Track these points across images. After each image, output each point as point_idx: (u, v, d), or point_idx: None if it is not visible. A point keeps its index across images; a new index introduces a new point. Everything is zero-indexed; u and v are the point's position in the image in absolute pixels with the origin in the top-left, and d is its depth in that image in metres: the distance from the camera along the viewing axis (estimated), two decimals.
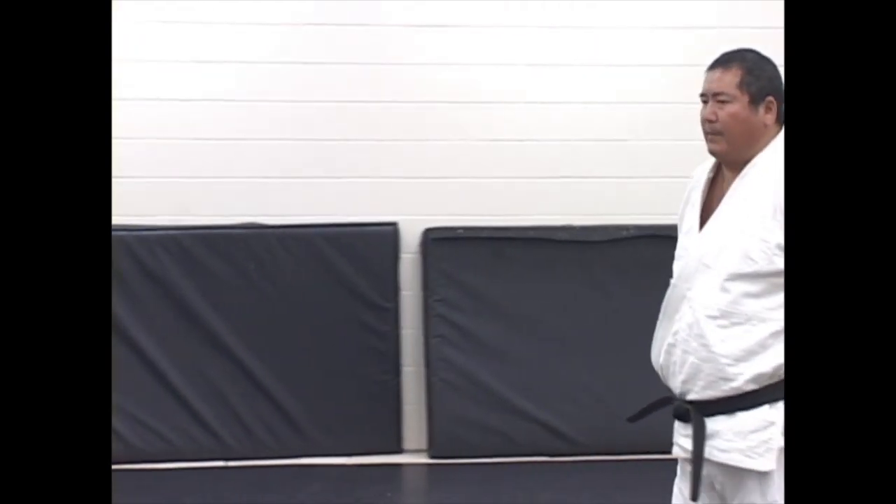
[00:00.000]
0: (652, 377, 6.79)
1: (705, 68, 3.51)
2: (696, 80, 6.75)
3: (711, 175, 3.56)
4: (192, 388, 7.21)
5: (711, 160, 3.59)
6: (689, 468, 3.53)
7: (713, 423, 3.41)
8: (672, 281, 3.54)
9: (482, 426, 7.29)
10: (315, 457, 7.20)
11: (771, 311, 3.32)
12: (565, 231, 7.35)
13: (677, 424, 3.54)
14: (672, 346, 3.48)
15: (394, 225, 7.39)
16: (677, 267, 3.55)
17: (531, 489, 6.65)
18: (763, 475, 3.35)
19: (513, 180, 7.46)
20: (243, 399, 7.17)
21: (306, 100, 7.34)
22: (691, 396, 3.43)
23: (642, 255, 7.30)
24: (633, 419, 3.82)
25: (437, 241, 7.33)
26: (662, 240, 6.87)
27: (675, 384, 3.50)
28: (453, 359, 7.33)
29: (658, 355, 3.57)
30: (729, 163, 3.48)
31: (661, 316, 3.57)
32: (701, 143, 6.54)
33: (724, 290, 3.36)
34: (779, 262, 3.29)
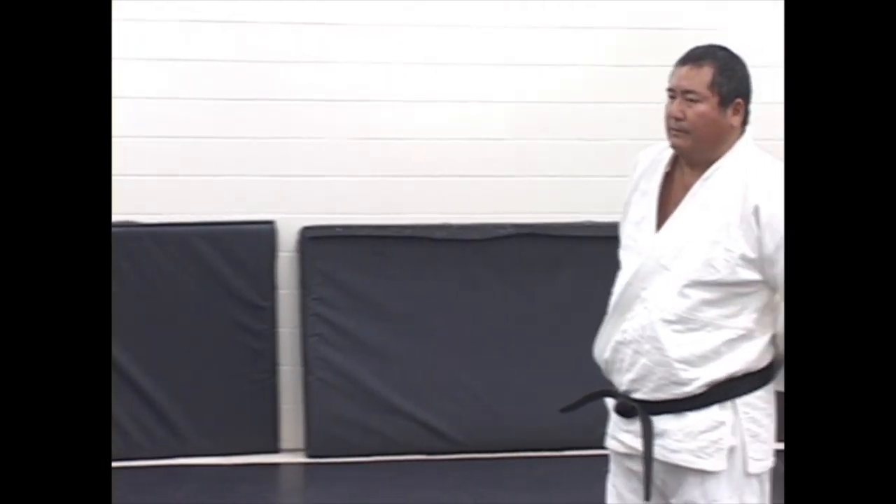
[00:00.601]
0: (529, 375, 7.22)
1: (676, 62, 3.48)
2: (575, 80, 7.30)
3: (668, 170, 3.53)
4: None
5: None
6: (626, 464, 3.56)
7: (660, 422, 3.42)
8: (624, 277, 3.51)
9: (360, 425, 7.27)
10: (191, 457, 7.11)
11: (727, 319, 3.36)
12: (443, 230, 7.35)
13: (616, 419, 3.54)
14: (621, 343, 3.47)
15: (271, 223, 7.33)
16: (628, 260, 3.53)
17: (409, 488, 6.64)
18: (706, 474, 3.38)
19: (391, 179, 7.45)
20: (118, 399, 7.04)
21: (181, 97, 7.24)
22: (638, 396, 3.44)
23: (520, 254, 7.35)
24: (566, 410, 3.74)
25: (315, 240, 7.28)
26: (540, 238, 7.29)
27: (621, 381, 3.49)
28: (331, 358, 7.29)
29: (603, 350, 3.54)
30: (692, 161, 3.46)
31: (610, 311, 3.55)
32: (578, 143, 7.09)
33: (683, 295, 3.36)
34: (741, 273, 3.32)
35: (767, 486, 3.46)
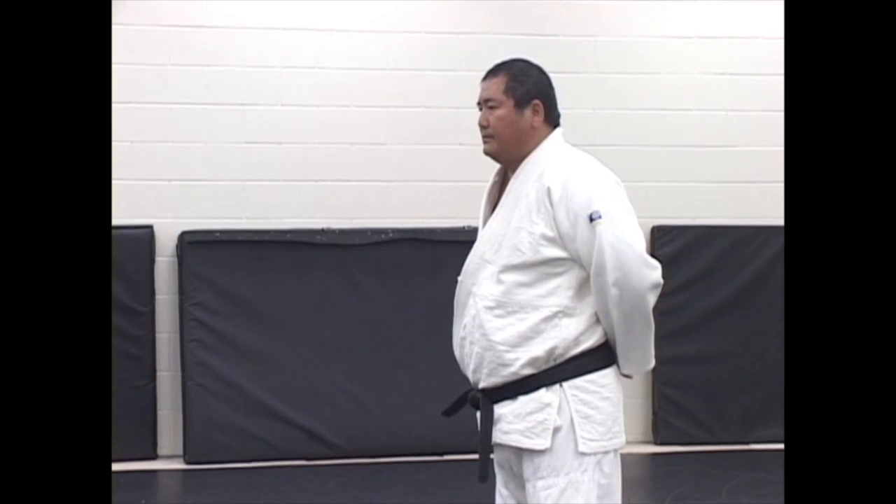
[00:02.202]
0: (410, 380, 7.24)
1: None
2: (455, 85, 7.31)
3: (498, 178, 3.72)
4: None
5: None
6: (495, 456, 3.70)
7: (500, 408, 3.56)
8: (459, 278, 3.70)
9: (239, 431, 7.24)
10: None
11: (542, 299, 3.49)
12: (323, 234, 7.35)
13: (478, 414, 3.64)
14: (463, 339, 3.63)
15: (149, 228, 7.28)
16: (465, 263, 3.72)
17: (288, 493, 6.61)
18: (537, 453, 3.51)
19: (271, 183, 7.43)
20: None
21: None
22: (481, 384, 3.58)
23: (401, 259, 7.39)
24: (446, 413, 3.87)
25: (194, 245, 7.24)
26: (421, 243, 7.32)
27: (469, 374, 3.63)
28: (210, 363, 7.25)
29: (455, 349, 3.71)
30: (504, 162, 3.66)
31: (454, 312, 3.73)
32: (459, 148, 7.04)
33: (499, 281, 3.52)
34: (545, 251, 3.48)
35: (609, 466, 3.55)
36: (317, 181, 7.47)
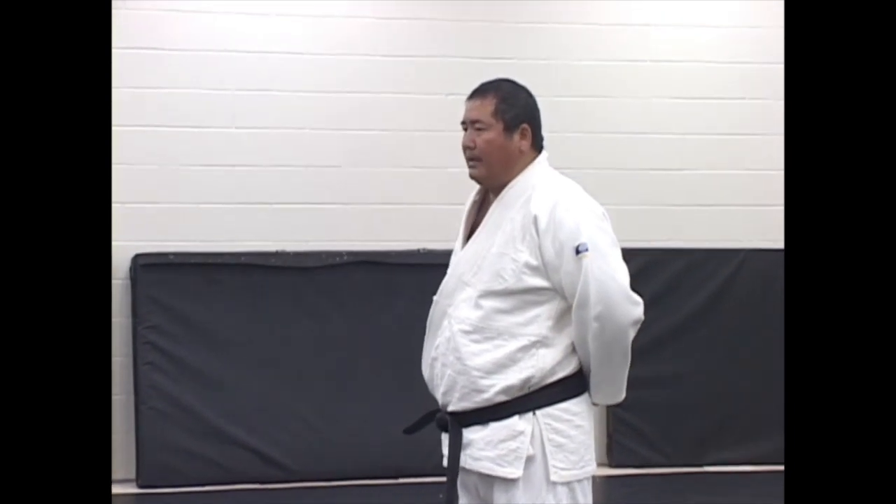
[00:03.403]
0: (365, 403, 7.20)
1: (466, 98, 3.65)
2: (409, 109, 7.37)
3: (478, 198, 3.69)
4: None
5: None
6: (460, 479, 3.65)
7: (469, 433, 3.52)
8: (434, 297, 3.66)
9: (193, 454, 7.17)
10: None
11: (520, 327, 3.47)
12: (278, 257, 7.31)
13: (443, 436, 3.62)
14: (435, 359, 3.59)
15: None
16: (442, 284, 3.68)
17: None
18: (507, 482, 3.47)
19: (225, 206, 7.38)
20: None
21: None
22: (451, 408, 3.54)
23: (355, 282, 7.35)
24: (408, 431, 3.80)
25: (147, 267, 7.18)
26: (375, 266, 7.29)
27: (438, 396, 3.60)
28: (163, 386, 7.19)
29: (425, 369, 3.67)
30: (489, 186, 3.62)
31: (427, 331, 3.68)
32: (413, 171, 7.07)
33: (478, 306, 3.49)
34: (528, 280, 3.45)
35: (582, 494, 3.53)
36: (271, 204, 7.42)
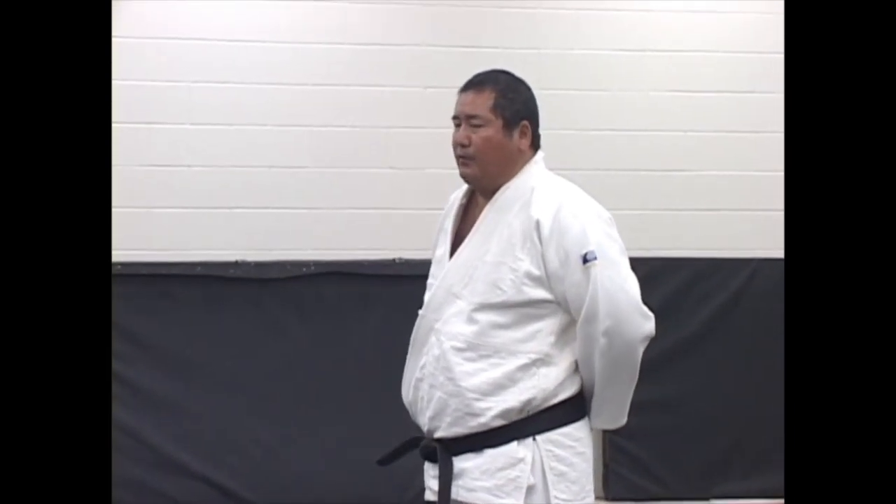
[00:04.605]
0: (333, 430, 6.85)
1: (458, 89, 3.56)
2: (379, 103, 7.10)
3: (465, 201, 3.61)
4: None
5: (466, 185, 3.63)
6: None
7: (461, 462, 3.43)
8: (420, 312, 3.57)
9: (144, 487, 6.92)
10: None
11: (520, 344, 3.38)
12: (238, 267, 7.07)
13: (427, 465, 3.54)
14: (420, 380, 3.49)
15: None
16: (427, 297, 3.59)
17: None
18: None
19: (178, 211, 7.14)
20: None
21: None
22: (439, 434, 3.45)
23: (324, 295, 7.18)
24: (382, 462, 3.71)
25: None
26: (346, 277, 7.14)
27: (424, 421, 3.51)
28: (111, 412, 6.75)
29: (407, 391, 3.57)
30: (482, 188, 3.53)
31: (410, 349, 3.58)
32: (389, 172, 6.92)
33: (472, 320, 3.40)
34: (529, 292, 3.36)
35: None
36: (230, 208, 7.18)
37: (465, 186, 3.61)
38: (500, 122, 3.45)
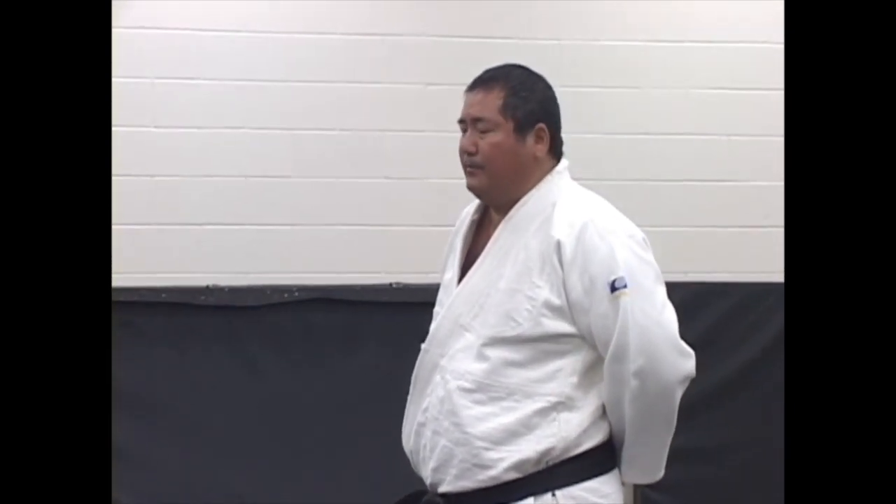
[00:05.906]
0: (317, 480, 6.91)
1: (465, 88, 3.48)
2: (375, 103, 6.87)
3: (477, 217, 3.51)
4: None
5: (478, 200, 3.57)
6: None
7: None
8: (423, 345, 3.46)
9: None
10: None
11: (538, 385, 3.25)
12: (209, 293, 6.75)
13: None
14: (422, 425, 3.38)
15: None
16: (432, 328, 3.49)
17: None
18: None
19: (141, 227, 6.82)
20: None
21: None
22: (443, 488, 3.33)
23: (309, 324, 6.83)
24: None
25: None
26: (334, 304, 6.91)
27: (426, 473, 3.39)
28: None
29: (408, 438, 3.46)
30: (493, 202, 3.44)
31: (411, 389, 3.47)
32: (385, 183, 6.74)
33: (482, 357, 3.29)
34: (548, 325, 3.25)
35: None
36: (200, 225, 6.88)
37: (477, 200, 3.51)
38: (510, 125, 3.34)
